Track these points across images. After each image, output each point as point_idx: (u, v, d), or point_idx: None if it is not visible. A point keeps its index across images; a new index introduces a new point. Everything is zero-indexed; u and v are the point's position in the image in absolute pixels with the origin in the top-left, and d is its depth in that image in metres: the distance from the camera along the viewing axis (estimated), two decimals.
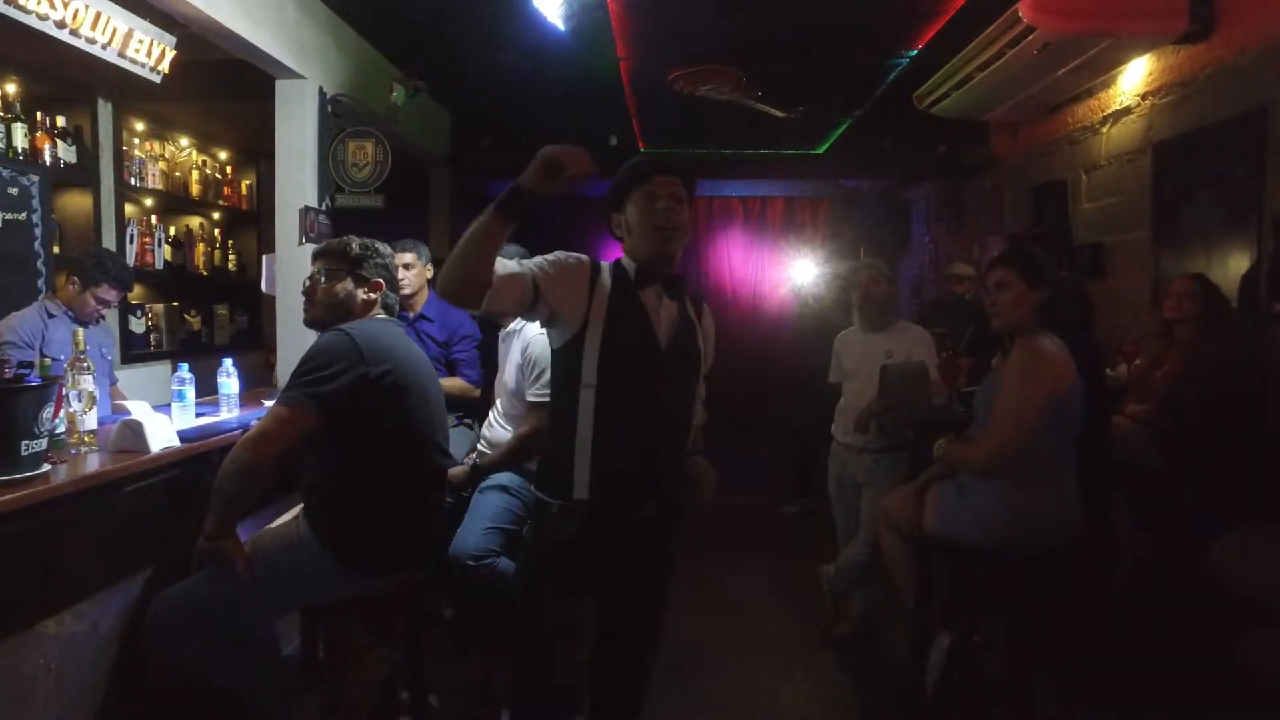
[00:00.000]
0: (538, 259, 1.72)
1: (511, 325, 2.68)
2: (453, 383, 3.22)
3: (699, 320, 1.86)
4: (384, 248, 2.13)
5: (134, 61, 2.99)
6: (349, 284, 2.04)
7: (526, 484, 2.47)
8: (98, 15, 2.74)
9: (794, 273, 6.75)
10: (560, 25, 3.62)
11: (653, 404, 1.71)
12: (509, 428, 2.62)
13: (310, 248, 3.81)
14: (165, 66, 3.14)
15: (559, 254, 1.73)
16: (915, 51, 4.52)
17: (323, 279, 2.04)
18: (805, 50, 4.51)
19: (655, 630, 1.87)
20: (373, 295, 2.07)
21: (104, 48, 2.81)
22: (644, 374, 1.71)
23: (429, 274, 3.30)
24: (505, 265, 1.62)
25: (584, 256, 1.77)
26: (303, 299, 2.09)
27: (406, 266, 3.13)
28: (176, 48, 3.18)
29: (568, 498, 1.69)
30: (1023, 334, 2.25)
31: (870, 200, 8.05)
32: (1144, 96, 4.02)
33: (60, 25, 2.60)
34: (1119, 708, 2.55)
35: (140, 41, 2.98)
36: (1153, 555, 2.96)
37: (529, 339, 2.50)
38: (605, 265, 1.78)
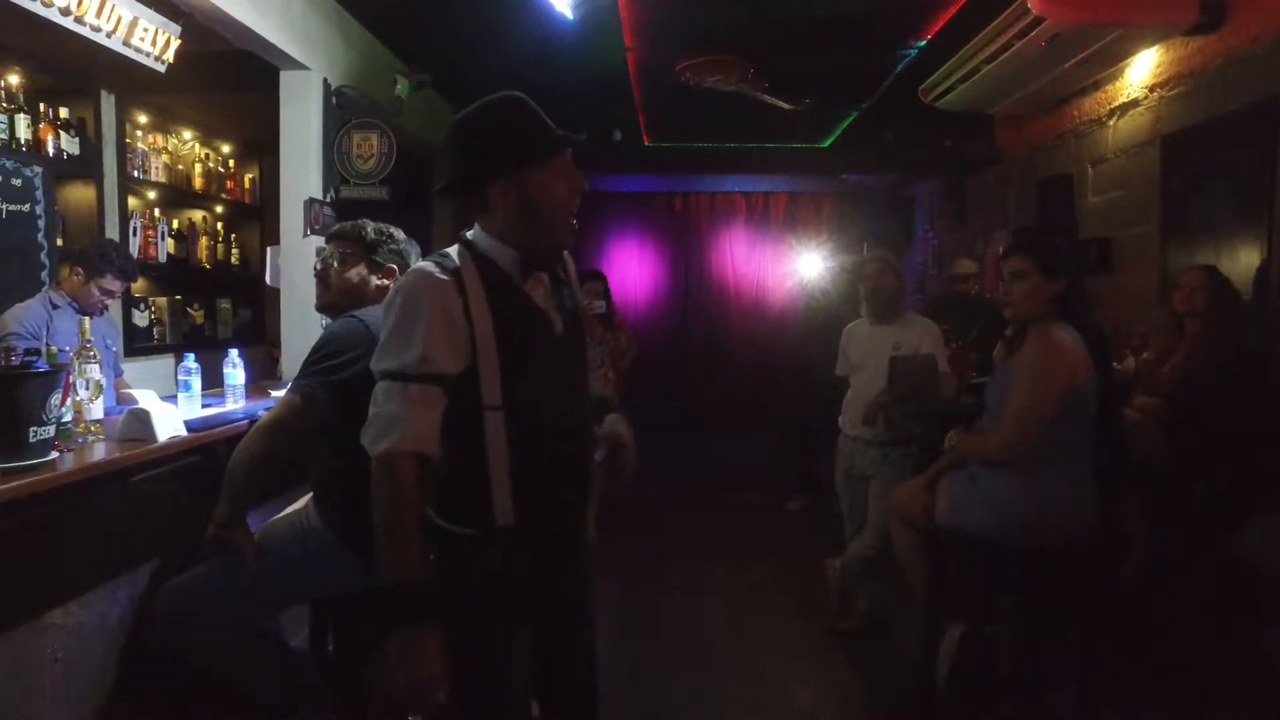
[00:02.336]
0: (416, 357, 1.33)
1: None
2: None
3: (569, 279, 1.55)
4: (399, 233, 2.11)
5: (138, 50, 2.97)
6: (363, 269, 2.02)
7: None
8: (103, 2, 2.71)
9: (800, 267, 6.73)
10: (568, 14, 3.60)
11: (567, 408, 1.46)
12: None
13: (314, 240, 3.79)
14: (170, 56, 3.12)
15: (419, 321, 1.34)
16: (924, 42, 4.50)
17: (335, 262, 2.02)
18: (813, 41, 4.49)
19: (593, 633, 1.62)
20: (386, 281, 2.05)
21: (109, 36, 2.79)
22: (550, 376, 1.44)
23: None
24: (418, 430, 1.33)
25: (439, 279, 1.37)
26: (315, 282, 2.07)
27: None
28: (181, 38, 3.16)
29: (486, 526, 1.39)
30: (1037, 325, 2.23)
31: (873, 196, 8.03)
32: (1152, 89, 3.99)
33: (65, 12, 2.58)
34: (1131, 701, 2.54)
35: (145, 30, 2.95)
36: (1163, 547, 2.95)
37: None
38: (458, 267, 1.40)
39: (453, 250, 1.44)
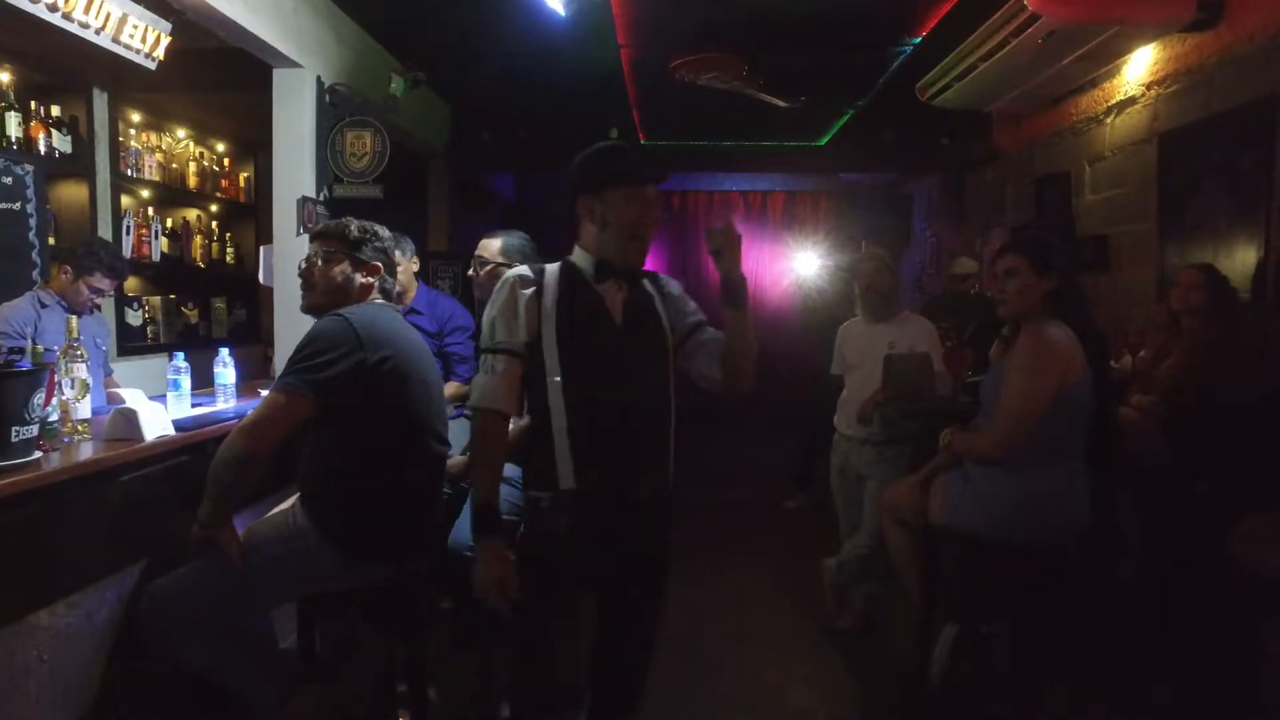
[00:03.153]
0: (495, 338, 1.71)
1: None
2: (448, 387, 3.18)
3: (660, 293, 1.83)
4: (383, 231, 2.09)
5: (128, 47, 2.95)
6: (347, 267, 2.00)
7: None
8: None
9: (797, 265, 6.72)
10: (560, 11, 3.58)
11: (620, 385, 1.69)
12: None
13: (308, 239, 3.78)
14: (160, 53, 3.10)
15: (499, 310, 1.71)
16: (919, 39, 4.49)
17: (320, 262, 2.00)
18: (808, 37, 4.47)
19: (655, 620, 1.82)
20: (371, 279, 2.03)
21: (97, 32, 2.77)
22: (606, 356, 1.70)
23: (415, 268, 3.26)
24: (496, 394, 1.67)
25: (522, 274, 1.74)
26: (299, 283, 2.05)
27: None
28: (172, 34, 3.14)
29: (555, 489, 1.66)
30: (1029, 322, 2.22)
31: (871, 194, 8.02)
32: (1149, 86, 3.98)
33: (53, 8, 2.56)
34: (1127, 700, 2.52)
35: (135, 27, 2.94)
36: (1159, 546, 2.93)
37: None
38: (551, 269, 1.75)
39: (554, 264, 1.80)
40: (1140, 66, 4.04)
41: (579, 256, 1.76)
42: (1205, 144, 3.58)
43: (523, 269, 1.76)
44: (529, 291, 1.70)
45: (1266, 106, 3.17)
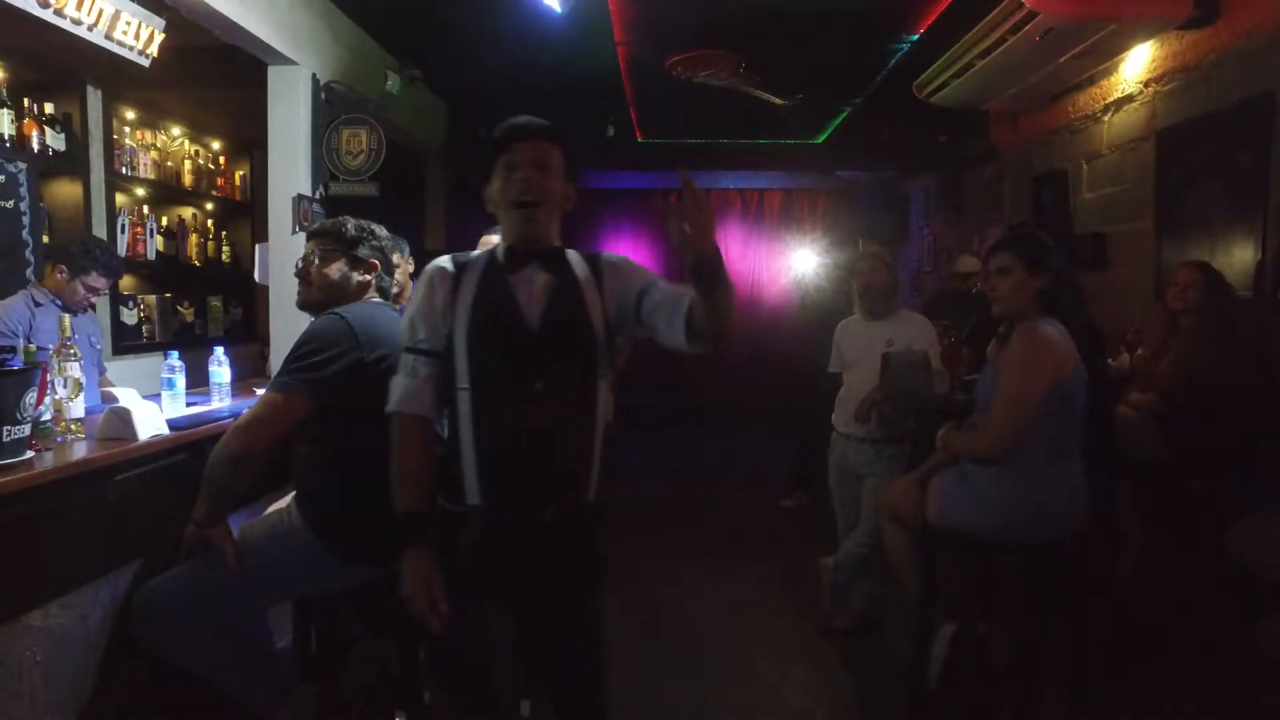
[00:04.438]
0: (416, 337, 1.58)
1: None
2: None
3: (596, 274, 1.61)
4: (380, 230, 2.08)
5: (121, 44, 2.93)
6: (344, 265, 1.99)
7: None
8: None
9: (795, 264, 6.71)
10: (557, 8, 3.57)
11: (528, 395, 1.51)
12: None
13: (304, 237, 3.76)
14: (154, 50, 3.08)
15: (417, 307, 1.59)
16: (916, 36, 4.48)
17: (316, 260, 1.99)
18: (805, 35, 4.47)
19: (583, 635, 1.63)
20: (368, 278, 2.02)
21: (90, 29, 2.75)
22: (515, 364, 1.53)
23: (410, 269, 3.25)
24: (417, 398, 1.57)
25: (441, 267, 1.61)
26: (296, 281, 2.04)
27: None
28: (166, 31, 3.12)
29: (462, 503, 1.54)
30: (1023, 320, 2.22)
31: (869, 192, 8.02)
32: (1147, 84, 3.98)
33: (44, 4, 2.54)
34: (1124, 699, 2.52)
35: (128, 23, 2.92)
36: (1157, 544, 2.94)
37: None
38: (477, 257, 1.62)
39: (483, 251, 1.67)
40: (1138, 64, 4.04)
41: (499, 247, 1.63)
42: (1203, 141, 3.58)
43: (444, 260, 1.62)
44: (447, 288, 1.57)
45: (1264, 104, 3.17)
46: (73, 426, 2.09)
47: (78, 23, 2.69)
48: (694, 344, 1.50)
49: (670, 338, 1.54)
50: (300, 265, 2.03)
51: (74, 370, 2.08)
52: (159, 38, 3.09)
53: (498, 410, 1.52)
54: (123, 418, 2.07)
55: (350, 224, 2.03)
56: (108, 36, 2.84)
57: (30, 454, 1.78)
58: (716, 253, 1.41)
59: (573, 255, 1.63)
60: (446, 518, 1.56)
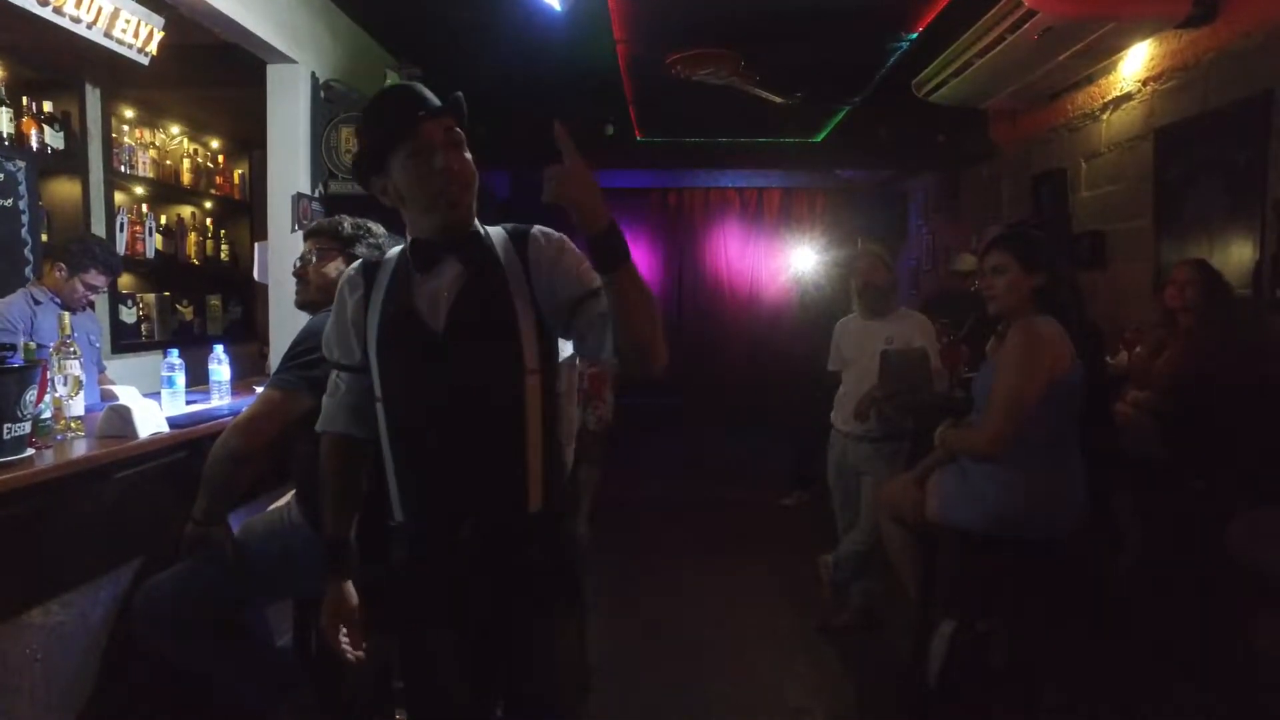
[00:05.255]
0: (334, 354, 1.49)
1: None
2: None
3: (525, 262, 1.40)
4: (377, 227, 2.08)
5: (120, 42, 2.93)
6: (341, 264, 1.99)
7: None
8: None
9: (793, 262, 6.72)
10: (556, 6, 3.57)
11: (440, 402, 1.36)
12: None
13: (303, 236, 3.76)
14: (153, 48, 3.08)
15: (333, 323, 1.48)
16: (915, 35, 4.48)
17: (314, 259, 2.00)
18: (805, 33, 4.47)
19: (538, 663, 1.44)
20: None
21: (89, 27, 2.75)
22: (424, 369, 1.37)
23: None
24: (341, 416, 1.49)
25: (350, 276, 1.48)
26: (295, 280, 2.04)
27: None
28: (165, 30, 3.12)
29: (391, 520, 1.44)
30: (1019, 318, 2.23)
31: (867, 191, 8.02)
32: (1145, 82, 3.98)
33: (44, 2, 2.54)
34: (1123, 696, 2.53)
35: (127, 21, 2.91)
36: (1156, 542, 2.94)
37: None
38: (390, 258, 1.46)
39: (396, 249, 1.49)
40: (1136, 63, 4.04)
41: (407, 241, 1.44)
42: (1201, 140, 3.58)
43: (353, 267, 1.49)
44: (356, 297, 1.44)
45: (1261, 102, 3.18)
46: (73, 424, 2.09)
47: (77, 20, 2.69)
48: (627, 365, 1.33)
49: (596, 351, 1.35)
50: (298, 264, 2.03)
51: (74, 368, 2.09)
52: (158, 36, 3.09)
53: (410, 420, 1.40)
54: (123, 416, 2.08)
55: (347, 222, 2.03)
56: (107, 34, 2.84)
57: (30, 452, 1.78)
58: (613, 229, 1.23)
59: (496, 235, 1.44)
60: (384, 537, 1.46)
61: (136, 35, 2.98)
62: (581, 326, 1.36)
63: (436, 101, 1.42)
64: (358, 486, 1.51)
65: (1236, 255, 3.34)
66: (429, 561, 1.42)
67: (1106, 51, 4.00)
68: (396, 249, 1.48)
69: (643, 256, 8.54)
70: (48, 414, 2.00)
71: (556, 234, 1.44)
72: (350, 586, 1.49)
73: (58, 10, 2.59)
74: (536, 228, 1.45)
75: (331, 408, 1.50)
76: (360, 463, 1.50)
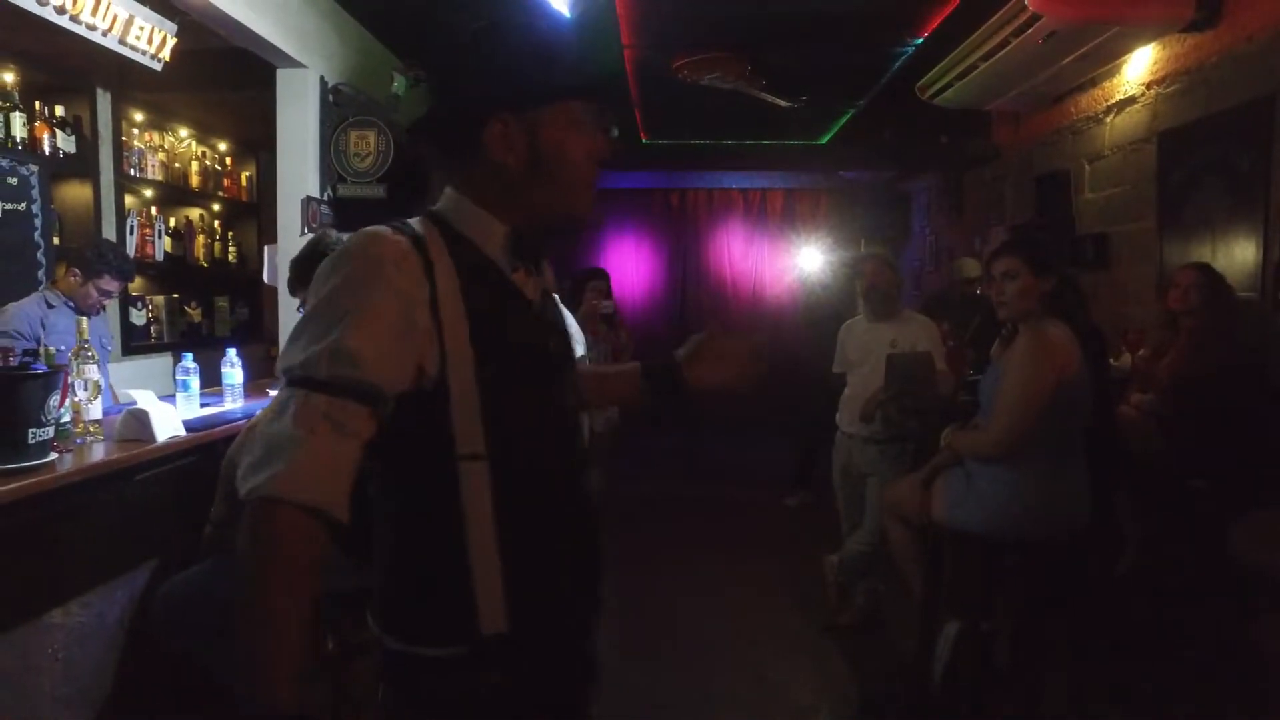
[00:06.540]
0: (341, 359, 0.89)
1: None
2: None
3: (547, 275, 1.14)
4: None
5: (134, 49, 2.96)
6: None
7: None
8: (99, 1, 2.71)
9: (797, 263, 6.73)
10: (566, 12, 3.60)
11: (569, 458, 1.04)
12: None
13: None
14: (166, 54, 3.12)
15: (358, 302, 0.90)
16: (921, 39, 4.50)
17: None
18: (810, 39, 4.49)
19: None
20: None
21: (104, 34, 2.79)
22: (548, 415, 1.02)
23: None
24: (325, 476, 0.88)
25: (394, 242, 0.94)
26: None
27: None
28: (177, 36, 3.16)
29: (471, 637, 0.95)
30: (1028, 322, 2.24)
31: (871, 192, 8.03)
32: (1149, 85, 4.00)
33: (60, 11, 2.57)
34: (1127, 696, 2.55)
35: (141, 28, 2.95)
36: (1158, 544, 2.96)
37: None
38: (422, 236, 0.96)
39: (414, 221, 1.00)
40: (1140, 66, 4.06)
41: (473, 220, 1.00)
42: (1204, 143, 3.60)
43: (382, 229, 0.96)
44: (415, 278, 0.92)
45: (1265, 106, 3.20)
46: (91, 428, 2.12)
47: (93, 29, 2.72)
48: None
49: None
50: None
51: (92, 372, 2.12)
52: (171, 42, 3.12)
53: (535, 485, 0.99)
54: (141, 419, 2.11)
55: (332, 235, 2.04)
56: (121, 41, 2.88)
57: (54, 456, 1.82)
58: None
59: None
60: (438, 670, 0.97)
61: (150, 42, 3.02)
62: None
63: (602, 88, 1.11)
64: (317, 608, 0.91)
65: (1240, 258, 3.35)
66: (534, 685, 1.00)
67: (1110, 55, 4.02)
68: (417, 224, 0.99)
69: (647, 257, 8.56)
70: (67, 418, 2.04)
71: None
72: None
73: (75, 19, 2.63)
74: None
75: (316, 457, 0.86)
76: (318, 571, 0.90)
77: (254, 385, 3.29)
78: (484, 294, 0.96)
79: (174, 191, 4.98)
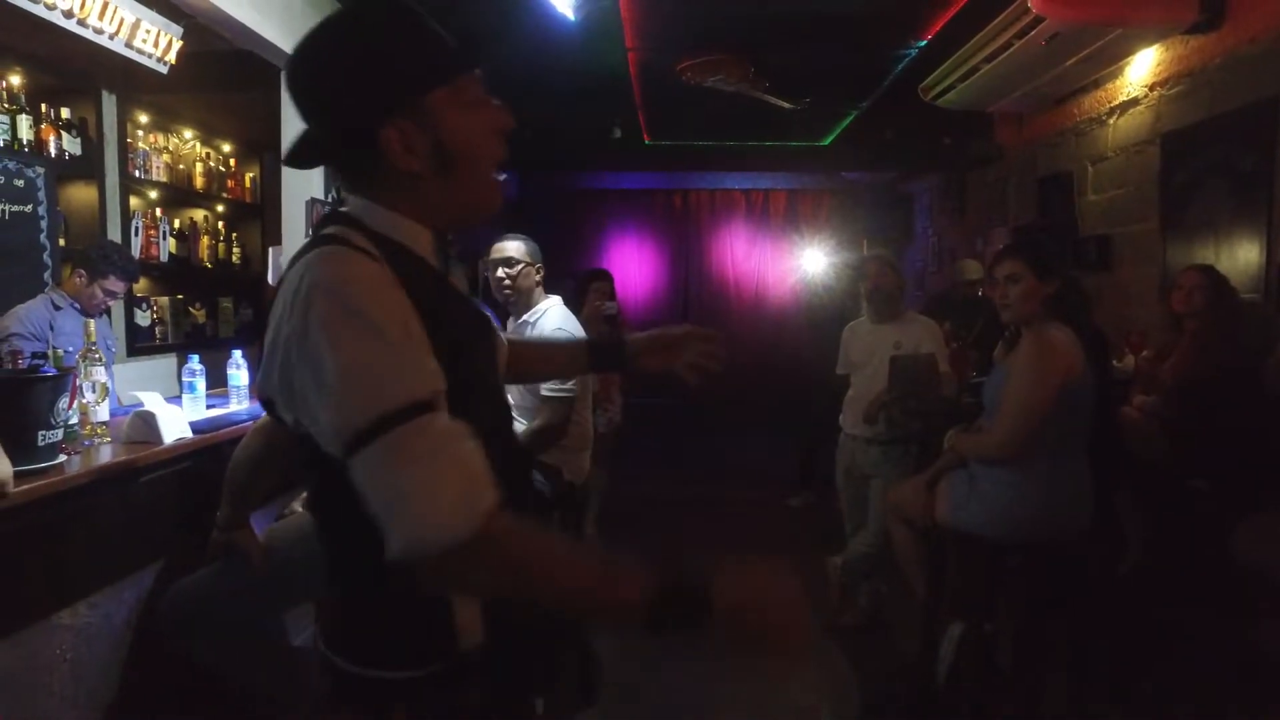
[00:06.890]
0: (408, 381, 0.83)
1: (525, 315, 2.68)
2: None
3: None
4: None
5: (141, 52, 2.98)
6: None
7: (541, 476, 2.47)
8: (105, 4, 2.73)
9: (800, 264, 6.74)
10: (570, 15, 3.61)
11: (517, 466, 1.04)
12: (522, 420, 2.62)
13: None
14: (173, 57, 3.13)
15: (388, 337, 0.83)
16: (924, 42, 4.51)
17: None
18: (814, 41, 4.50)
19: None
20: None
21: (111, 38, 2.80)
22: (498, 414, 1.03)
23: None
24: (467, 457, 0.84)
25: (373, 271, 0.86)
26: None
27: None
28: (182, 38, 3.17)
29: (449, 654, 0.92)
30: (1032, 325, 2.25)
31: (872, 193, 8.04)
32: (1152, 87, 4.00)
33: (68, 15, 2.59)
34: (1127, 696, 2.56)
35: (148, 32, 2.96)
36: (1160, 545, 2.97)
37: (545, 330, 2.50)
38: (363, 247, 0.88)
39: (335, 230, 0.90)
40: (1143, 68, 4.06)
41: (396, 227, 0.92)
42: (1207, 145, 3.61)
43: (335, 247, 0.88)
44: (399, 300, 0.87)
45: (1268, 108, 3.20)
46: (98, 430, 2.13)
47: (100, 32, 2.74)
48: None
49: None
50: None
51: (100, 375, 2.13)
52: (177, 45, 3.13)
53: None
54: (148, 421, 2.12)
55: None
56: (128, 45, 2.89)
57: (63, 458, 1.83)
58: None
59: None
60: (412, 692, 0.93)
61: (156, 45, 3.03)
62: None
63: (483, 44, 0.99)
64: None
65: (1243, 260, 3.36)
66: (510, 703, 0.99)
67: (1113, 57, 4.03)
68: (345, 236, 0.89)
69: (649, 257, 8.57)
70: (75, 420, 2.05)
71: None
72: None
73: (82, 22, 2.64)
74: None
75: (456, 473, 0.83)
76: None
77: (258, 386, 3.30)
78: (430, 296, 0.90)
79: (179, 193, 5.00)
